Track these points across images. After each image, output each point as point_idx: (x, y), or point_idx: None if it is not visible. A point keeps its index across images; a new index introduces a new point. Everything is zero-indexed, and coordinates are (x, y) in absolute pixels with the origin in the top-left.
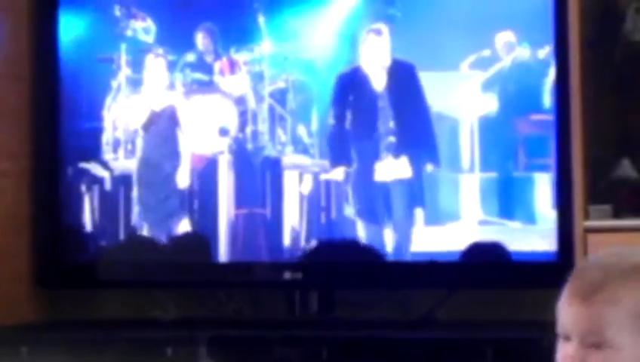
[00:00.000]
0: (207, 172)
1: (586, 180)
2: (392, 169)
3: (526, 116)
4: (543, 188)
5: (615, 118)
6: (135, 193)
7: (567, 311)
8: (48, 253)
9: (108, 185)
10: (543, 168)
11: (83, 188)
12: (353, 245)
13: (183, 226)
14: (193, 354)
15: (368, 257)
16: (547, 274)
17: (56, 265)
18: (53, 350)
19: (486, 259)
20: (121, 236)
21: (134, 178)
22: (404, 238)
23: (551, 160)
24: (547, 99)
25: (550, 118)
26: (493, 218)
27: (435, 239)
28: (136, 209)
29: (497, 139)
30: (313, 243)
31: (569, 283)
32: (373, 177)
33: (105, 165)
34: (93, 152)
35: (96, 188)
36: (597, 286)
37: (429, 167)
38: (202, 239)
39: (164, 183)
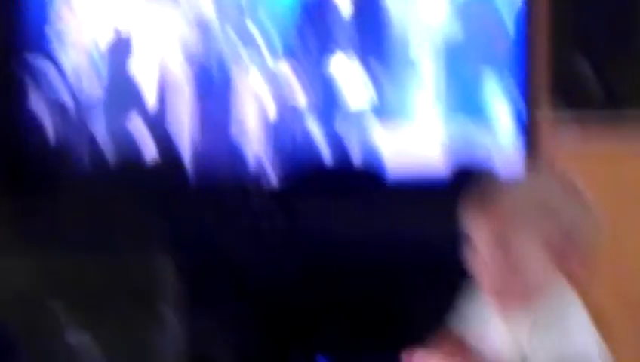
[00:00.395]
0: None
1: (543, 75)
2: (344, 65)
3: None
4: (498, 83)
5: (572, 14)
6: (98, 113)
7: (472, 220)
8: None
9: (71, 109)
10: (499, 63)
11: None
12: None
13: (149, 149)
14: (152, 253)
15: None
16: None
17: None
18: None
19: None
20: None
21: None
22: (358, 137)
23: (507, 55)
24: None
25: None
26: (448, 115)
27: (388, 138)
28: (101, 128)
29: (451, 35)
30: (277, 164)
31: (475, 194)
32: (326, 72)
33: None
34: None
35: (58, 111)
36: (499, 194)
37: (380, 64)
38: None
39: (126, 105)
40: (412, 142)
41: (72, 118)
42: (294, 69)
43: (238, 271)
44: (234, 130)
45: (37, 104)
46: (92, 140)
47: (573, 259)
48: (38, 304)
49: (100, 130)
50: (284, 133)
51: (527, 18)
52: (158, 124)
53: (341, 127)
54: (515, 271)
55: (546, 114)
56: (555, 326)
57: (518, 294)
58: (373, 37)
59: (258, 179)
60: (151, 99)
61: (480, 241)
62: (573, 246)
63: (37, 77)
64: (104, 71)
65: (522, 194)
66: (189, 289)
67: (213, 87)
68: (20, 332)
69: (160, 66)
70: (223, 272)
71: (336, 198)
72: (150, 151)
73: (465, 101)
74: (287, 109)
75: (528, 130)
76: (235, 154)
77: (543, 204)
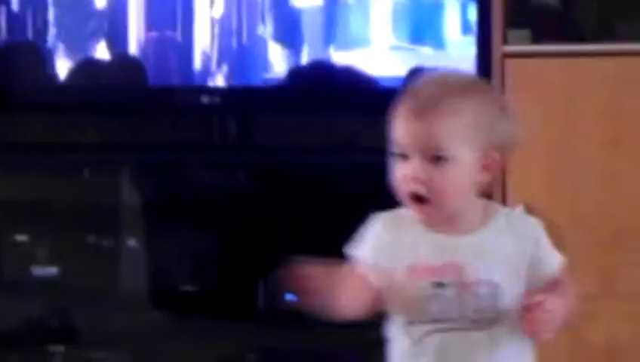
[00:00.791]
0: None
1: (505, 4)
2: None
3: None
4: (458, 12)
5: None
6: (51, 14)
7: (405, 129)
8: None
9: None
10: None
11: None
12: (271, 69)
13: (101, 49)
14: (112, 177)
15: (285, 82)
16: None
17: None
18: None
19: (400, 84)
20: (39, 59)
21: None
22: (319, 63)
23: None
24: None
25: None
26: (405, 44)
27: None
28: (52, 31)
29: None
30: (228, 67)
31: (404, 102)
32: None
33: None
34: None
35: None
36: (434, 100)
37: None
38: (120, 62)
39: (80, 4)
40: (368, 69)
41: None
42: None
43: (195, 185)
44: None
45: None
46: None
47: (497, 166)
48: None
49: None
50: (232, 35)
51: None
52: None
53: (295, 40)
54: (444, 179)
55: (506, 46)
56: (543, 236)
57: (447, 203)
58: None
59: (206, 79)
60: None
61: (411, 151)
62: (497, 153)
63: None
64: None
65: (454, 102)
66: (148, 206)
67: None
68: None
69: None
70: (180, 187)
71: (283, 106)
72: (103, 53)
73: (425, 31)
74: (239, 15)
75: (489, 61)
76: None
77: (473, 115)
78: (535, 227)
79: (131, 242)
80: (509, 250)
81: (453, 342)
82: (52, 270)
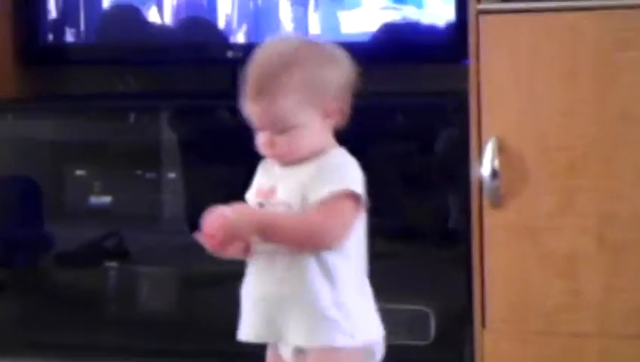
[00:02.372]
0: None
1: None
2: None
3: None
4: None
5: None
6: None
7: (250, 110)
8: (28, 36)
9: None
10: None
11: None
12: (282, 28)
13: (143, 12)
14: (153, 121)
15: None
16: (443, 52)
17: (34, 45)
18: (35, 117)
19: (391, 40)
20: (90, 21)
21: None
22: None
23: None
24: None
25: None
26: (392, 3)
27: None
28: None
29: None
30: (247, 26)
31: (245, 82)
32: None
33: None
34: None
35: None
36: (265, 82)
37: None
38: (159, 24)
39: None
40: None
41: None
42: None
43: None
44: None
45: None
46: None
47: (340, 110)
48: (63, 164)
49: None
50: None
51: None
52: None
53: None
54: (293, 144)
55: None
56: (335, 170)
57: (292, 150)
58: None
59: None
60: None
61: (261, 125)
62: (337, 99)
63: None
64: None
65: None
66: (184, 145)
67: None
68: (44, 190)
69: None
70: (211, 130)
71: None
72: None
73: None
74: None
75: (465, 18)
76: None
77: (303, 84)
78: (329, 162)
79: (171, 175)
80: (303, 178)
81: (266, 262)
82: (106, 199)
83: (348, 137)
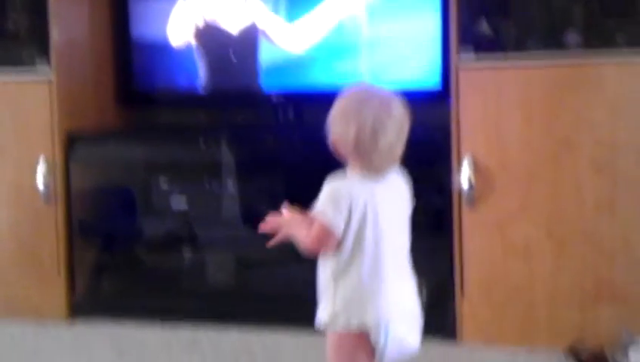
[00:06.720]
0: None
1: (457, 34)
2: None
3: None
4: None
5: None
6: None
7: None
8: (126, 83)
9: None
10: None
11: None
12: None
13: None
14: (217, 143)
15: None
16: (436, 96)
17: (131, 91)
18: (130, 144)
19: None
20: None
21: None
22: None
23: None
24: None
25: None
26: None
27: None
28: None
29: None
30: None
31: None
32: None
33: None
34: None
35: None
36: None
37: None
38: (217, 77)
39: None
40: None
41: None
42: None
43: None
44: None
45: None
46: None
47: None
48: (151, 178)
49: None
50: None
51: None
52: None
53: None
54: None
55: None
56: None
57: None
58: None
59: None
60: None
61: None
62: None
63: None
64: None
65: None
66: (239, 164)
67: None
68: (138, 196)
69: None
70: (261, 151)
71: None
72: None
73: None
74: None
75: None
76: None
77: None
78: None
79: (230, 186)
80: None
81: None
82: (183, 203)
83: None
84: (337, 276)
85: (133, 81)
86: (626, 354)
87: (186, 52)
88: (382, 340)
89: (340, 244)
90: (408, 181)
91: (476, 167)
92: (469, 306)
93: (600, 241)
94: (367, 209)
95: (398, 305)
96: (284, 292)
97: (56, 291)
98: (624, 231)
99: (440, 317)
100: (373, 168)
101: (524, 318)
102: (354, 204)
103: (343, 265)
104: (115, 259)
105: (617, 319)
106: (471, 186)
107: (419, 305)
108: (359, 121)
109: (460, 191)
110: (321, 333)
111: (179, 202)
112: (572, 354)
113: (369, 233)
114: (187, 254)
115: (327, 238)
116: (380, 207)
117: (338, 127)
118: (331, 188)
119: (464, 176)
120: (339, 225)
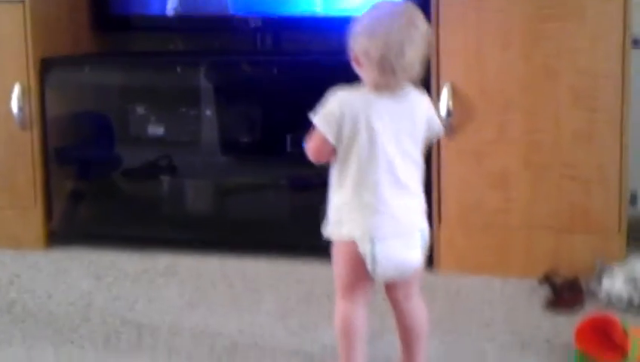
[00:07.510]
0: None
1: None
2: None
3: None
4: None
5: None
6: None
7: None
8: (102, 7)
9: None
10: None
11: None
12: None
13: None
14: (194, 72)
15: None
16: None
17: (107, 15)
18: (105, 69)
19: None
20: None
21: None
22: None
23: None
24: None
25: None
26: None
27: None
28: None
29: None
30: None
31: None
32: None
33: None
34: None
35: None
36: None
37: None
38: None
39: None
40: None
41: None
42: None
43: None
44: None
45: None
46: None
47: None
48: (128, 104)
49: None
50: None
51: None
52: None
53: None
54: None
55: None
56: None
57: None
58: None
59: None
60: None
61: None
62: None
63: None
64: None
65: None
66: (217, 89)
67: None
68: (114, 123)
69: None
70: (237, 79)
71: None
72: None
73: None
74: None
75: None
76: None
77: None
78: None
79: (208, 112)
80: None
81: None
82: (159, 129)
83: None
84: (334, 186)
85: (108, 5)
86: (599, 283)
87: None
88: (368, 253)
89: (335, 155)
90: (429, 101)
91: (455, 96)
92: (446, 232)
93: (577, 171)
94: (361, 125)
95: (393, 220)
96: (262, 218)
97: (33, 218)
98: (601, 161)
99: None
100: (391, 84)
101: (500, 247)
102: (347, 118)
103: (337, 176)
104: (92, 186)
105: (592, 248)
106: (449, 114)
107: (424, 222)
108: (387, 36)
109: (439, 119)
110: (299, 260)
111: (156, 128)
112: (546, 282)
113: (361, 147)
114: (165, 181)
115: (323, 147)
116: (380, 123)
117: (363, 42)
118: (327, 100)
119: (443, 105)
120: (331, 135)
